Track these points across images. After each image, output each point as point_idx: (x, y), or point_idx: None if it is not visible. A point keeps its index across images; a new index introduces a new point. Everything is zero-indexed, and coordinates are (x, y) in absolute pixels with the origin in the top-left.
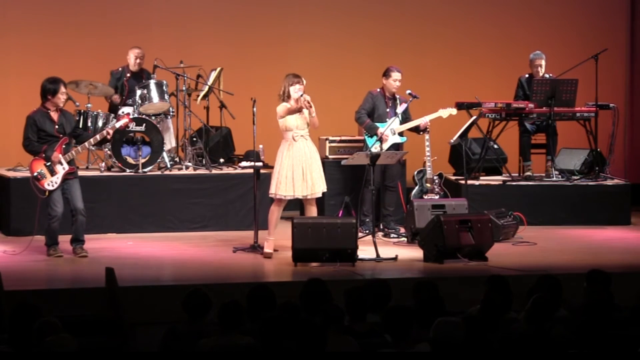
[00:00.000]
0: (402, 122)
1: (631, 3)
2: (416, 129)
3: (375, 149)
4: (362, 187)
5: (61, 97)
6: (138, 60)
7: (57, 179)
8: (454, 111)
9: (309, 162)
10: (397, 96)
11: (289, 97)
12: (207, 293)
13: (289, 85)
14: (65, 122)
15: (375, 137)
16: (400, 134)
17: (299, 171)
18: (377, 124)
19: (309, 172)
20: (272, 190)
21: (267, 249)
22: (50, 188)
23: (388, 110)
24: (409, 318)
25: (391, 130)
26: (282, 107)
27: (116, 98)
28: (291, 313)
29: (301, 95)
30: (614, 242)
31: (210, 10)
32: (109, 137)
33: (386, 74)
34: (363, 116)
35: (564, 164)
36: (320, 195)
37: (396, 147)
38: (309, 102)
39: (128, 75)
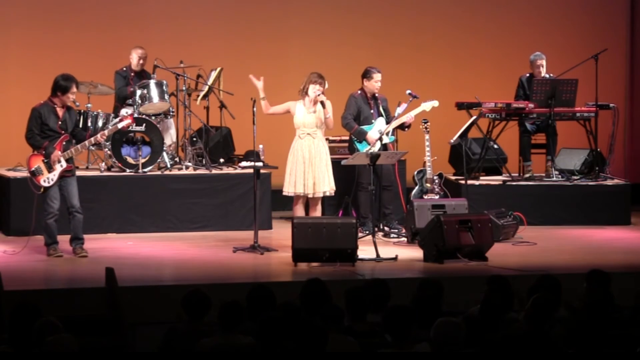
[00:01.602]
0: (387, 121)
1: (631, 3)
2: (401, 126)
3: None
4: (353, 190)
5: (70, 97)
6: (141, 61)
7: (53, 176)
8: (436, 103)
9: (312, 161)
10: (377, 95)
11: (306, 93)
12: (207, 293)
13: (309, 83)
14: (69, 119)
15: (364, 142)
16: (387, 134)
17: (300, 168)
18: (365, 127)
19: (311, 171)
20: (284, 188)
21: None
22: (46, 185)
23: (372, 111)
24: (409, 318)
25: (379, 131)
26: (290, 104)
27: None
28: (291, 313)
29: (318, 95)
30: (614, 242)
31: (210, 10)
32: (99, 141)
33: (367, 75)
34: (351, 122)
35: (564, 164)
36: (322, 194)
37: (384, 147)
38: (322, 104)
39: (132, 74)
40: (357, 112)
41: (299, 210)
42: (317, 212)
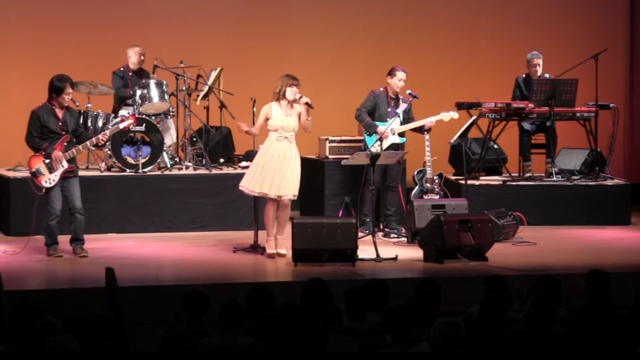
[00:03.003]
0: (404, 122)
1: (631, 3)
2: (420, 129)
3: (375, 148)
4: (361, 186)
5: (65, 97)
6: (142, 57)
7: (54, 177)
8: (455, 115)
9: (285, 165)
10: (400, 97)
11: (284, 96)
12: (205, 292)
13: (285, 86)
14: (70, 120)
15: (374, 136)
16: (401, 135)
17: (270, 169)
18: (377, 123)
19: (282, 173)
20: (242, 182)
21: (270, 250)
22: (47, 185)
23: (389, 110)
24: (409, 318)
25: (391, 130)
26: (266, 110)
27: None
28: (292, 313)
29: (300, 97)
30: (614, 242)
31: (210, 10)
32: (100, 143)
33: (391, 73)
34: (363, 114)
35: (564, 164)
36: (290, 198)
37: (395, 147)
38: (308, 104)
39: (130, 74)
40: (372, 108)
41: (272, 211)
42: (287, 214)
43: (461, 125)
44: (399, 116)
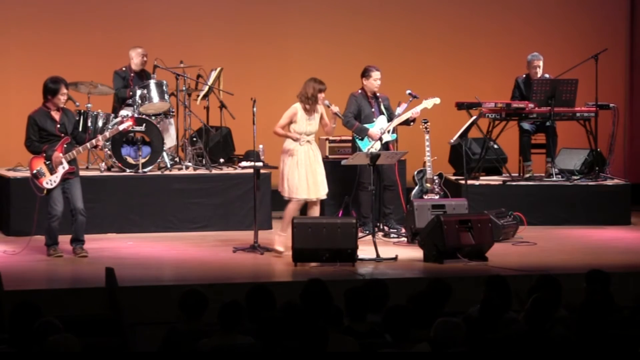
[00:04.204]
0: (388, 119)
1: (631, 3)
2: (406, 122)
3: (373, 149)
4: (354, 189)
5: (61, 98)
6: (145, 59)
7: (56, 178)
8: (437, 100)
9: (314, 166)
10: (378, 94)
11: (314, 102)
12: (205, 292)
13: (317, 92)
14: (67, 121)
15: (366, 139)
16: (389, 131)
17: (303, 174)
18: (366, 125)
19: (313, 175)
20: (287, 193)
21: (279, 246)
22: (49, 186)
23: (373, 110)
24: (409, 318)
25: (380, 129)
26: (292, 113)
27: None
28: (292, 313)
29: (329, 106)
30: (614, 242)
31: (211, 10)
32: (98, 145)
33: (365, 74)
34: (351, 119)
35: (564, 164)
36: (324, 197)
37: (386, 145)
38: (337, 114)
39: (132, 75)
40: (357, 111)
41: (296, 213)
42: (317, 213)
43: (461, 125)
44: (384, 114)
